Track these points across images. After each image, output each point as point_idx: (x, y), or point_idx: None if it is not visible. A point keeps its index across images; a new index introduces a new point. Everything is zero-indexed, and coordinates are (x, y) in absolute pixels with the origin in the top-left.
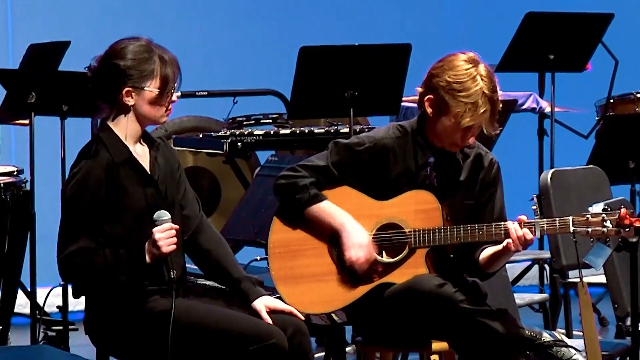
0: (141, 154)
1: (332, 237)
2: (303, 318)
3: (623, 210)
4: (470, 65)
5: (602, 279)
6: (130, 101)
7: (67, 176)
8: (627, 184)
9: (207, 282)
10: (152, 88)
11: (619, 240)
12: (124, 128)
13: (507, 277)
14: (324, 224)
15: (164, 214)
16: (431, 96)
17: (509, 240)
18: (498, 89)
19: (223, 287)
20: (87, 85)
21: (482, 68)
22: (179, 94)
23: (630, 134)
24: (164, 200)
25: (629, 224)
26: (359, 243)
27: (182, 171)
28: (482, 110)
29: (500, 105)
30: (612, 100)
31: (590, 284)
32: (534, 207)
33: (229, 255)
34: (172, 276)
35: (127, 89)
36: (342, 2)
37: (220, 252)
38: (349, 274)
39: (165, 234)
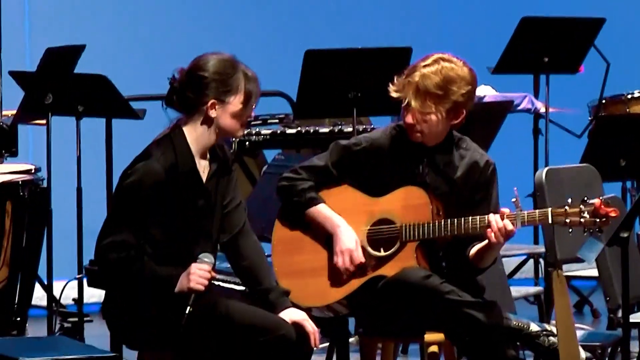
0: (203, 164)
1: (328, 236)
2: (317, 346)
3: (597, 201)
4: (420, 61)
5: (594, 272)
6: (214, 113)
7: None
8: (618, 181)
9: (226, 285)
10: (236, 102)
11: (597, 230)
12: (200, 138)
13: (503, 270)
14: (320, 226)
15: (208, 257)
16: None
17: (490, 231)
18: (433, 81)
19: (244, 288)
20: (170, 95)
21: (436, 66)
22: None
23: (621, 134)
24: (212, 211)
25: (604, 214)
26: (347, 249)
27: (234, 178)
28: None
29: (430, 86)
30: (604, 101)
31: (583, 277)
32: (514, 200)
33: (264, 264)
34: (186, 312)
35: (212, 101)
36: (345, 7)
37: (256, 260)
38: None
39: (200, 272)
